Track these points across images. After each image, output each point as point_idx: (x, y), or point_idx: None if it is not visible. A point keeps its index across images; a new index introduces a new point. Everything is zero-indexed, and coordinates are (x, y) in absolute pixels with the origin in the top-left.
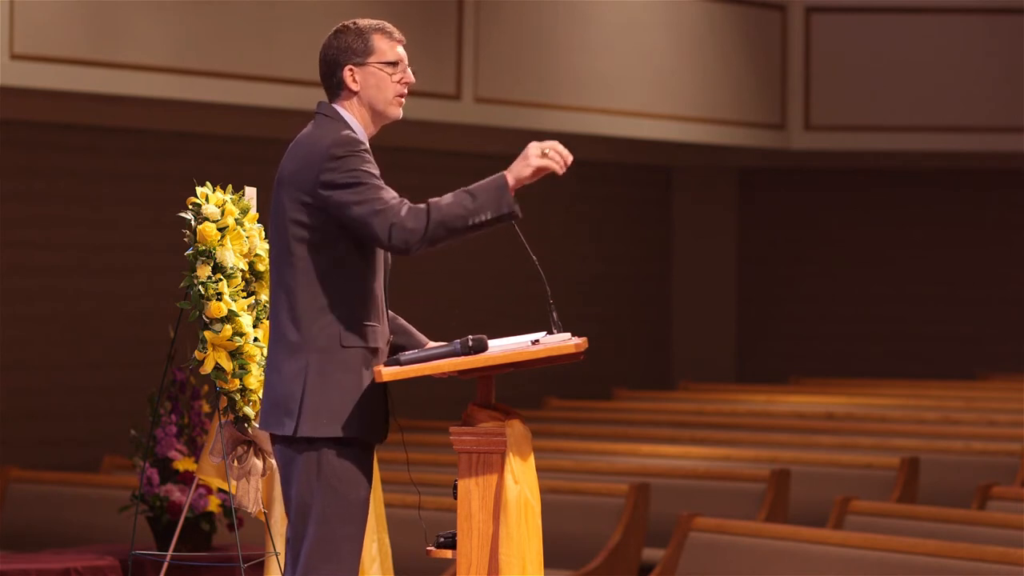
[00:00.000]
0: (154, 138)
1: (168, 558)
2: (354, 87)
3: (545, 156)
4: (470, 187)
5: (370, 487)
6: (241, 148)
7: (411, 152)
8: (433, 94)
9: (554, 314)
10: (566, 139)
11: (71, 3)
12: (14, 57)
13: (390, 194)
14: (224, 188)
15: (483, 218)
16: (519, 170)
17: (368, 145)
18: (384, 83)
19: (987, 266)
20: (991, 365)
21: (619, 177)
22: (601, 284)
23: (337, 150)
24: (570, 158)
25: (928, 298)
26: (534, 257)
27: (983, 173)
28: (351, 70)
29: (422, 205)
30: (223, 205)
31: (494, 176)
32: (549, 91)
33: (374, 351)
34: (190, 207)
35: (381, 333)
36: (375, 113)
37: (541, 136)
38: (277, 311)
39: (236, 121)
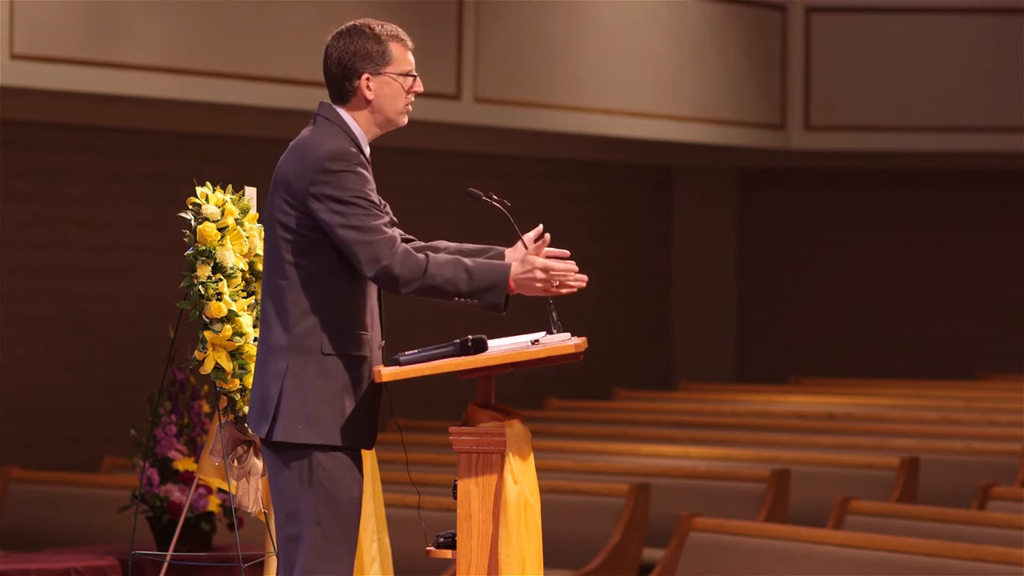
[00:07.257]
0: (154, 138)
1: (168, 558)
2: (369, 96)
3: (547, 280)
4: (472, 264)
5: (362, 486)
6: (241, 148)
7: (411, 152)
8: (433, 94)
9: (554, 314)
10: (566, 139)
11: (71, 3)
12: (14, 57)
13: (381, 220)
14: (224, 188)
15: (469, 302)
16: (524, 285)
17: (368, 152)
18: (398, 93)
19: (987, 266)
20: (991, 365)
21: (619, 177)
22: (601, 284)
23: (331, 163)
24: (570, 282)
25: (928, 298)
26: None
27: (983, 173)
28: (368, 79)
29: (420, 257)
30: (223, 205)
31: (500, 269)
32: (549, 91)
33: (360, 359)
34: (190, 207)
35: (370, 341)
36: (385, 121)
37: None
38: (265, 311)
39: (236, 121)
